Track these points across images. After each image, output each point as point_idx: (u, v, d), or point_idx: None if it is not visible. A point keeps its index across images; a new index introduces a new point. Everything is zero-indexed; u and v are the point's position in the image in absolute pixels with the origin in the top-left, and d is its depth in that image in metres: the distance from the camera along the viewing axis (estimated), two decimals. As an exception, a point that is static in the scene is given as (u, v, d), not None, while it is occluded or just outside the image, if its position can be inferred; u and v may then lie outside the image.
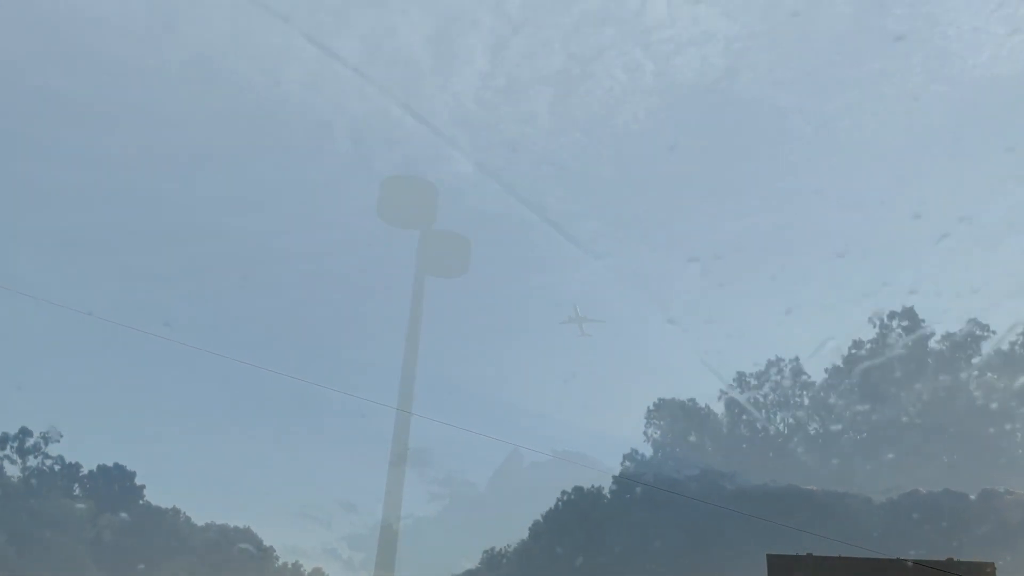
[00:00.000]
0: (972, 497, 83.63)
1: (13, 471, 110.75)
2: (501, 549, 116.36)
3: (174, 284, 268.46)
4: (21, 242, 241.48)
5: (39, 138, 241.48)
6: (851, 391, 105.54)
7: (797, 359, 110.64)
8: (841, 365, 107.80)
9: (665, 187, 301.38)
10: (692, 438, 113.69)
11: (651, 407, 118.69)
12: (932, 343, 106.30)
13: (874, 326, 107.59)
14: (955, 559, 13.58)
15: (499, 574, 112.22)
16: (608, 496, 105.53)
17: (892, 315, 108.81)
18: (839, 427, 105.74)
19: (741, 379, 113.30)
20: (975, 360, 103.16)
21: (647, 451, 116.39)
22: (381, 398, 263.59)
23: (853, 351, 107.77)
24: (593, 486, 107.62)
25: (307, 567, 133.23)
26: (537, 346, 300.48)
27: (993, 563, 13.49)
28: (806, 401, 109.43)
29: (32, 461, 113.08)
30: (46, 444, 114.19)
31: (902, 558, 13.90)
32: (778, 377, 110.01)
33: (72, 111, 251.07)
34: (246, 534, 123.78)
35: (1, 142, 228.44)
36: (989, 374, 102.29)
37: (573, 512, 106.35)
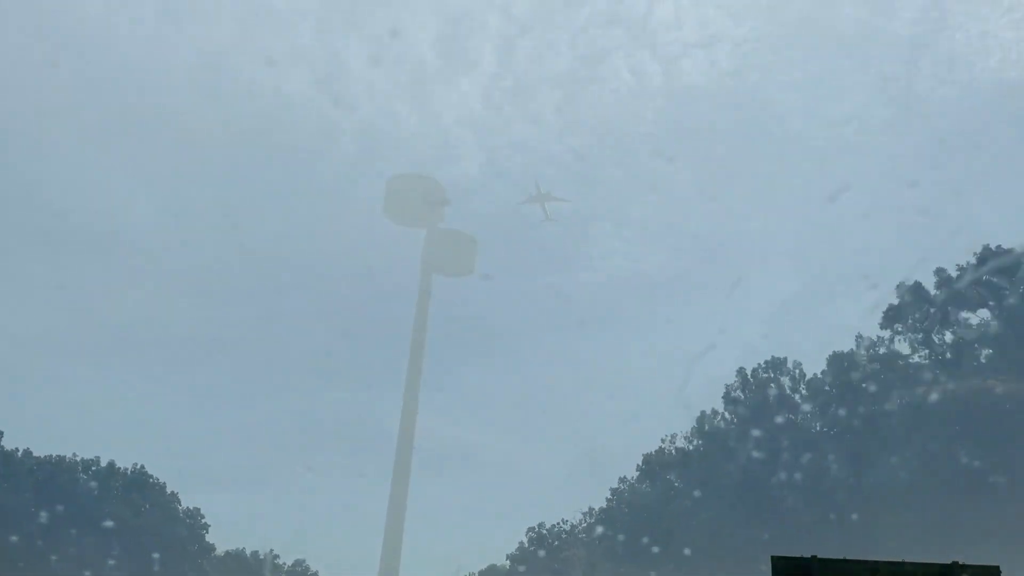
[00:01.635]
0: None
1: None
2: (553, 525, 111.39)
3: (181, 282, 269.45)
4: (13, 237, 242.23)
5: (47, 140, 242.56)
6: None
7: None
8: None
9: (672, 188, 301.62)
10: None
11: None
12: None
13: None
14: (960, 562, 13.64)
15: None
16: None
17: None
18: None
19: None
20: None
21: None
22: (387, 397, 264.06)
23: None
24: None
25: (288, 561, 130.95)
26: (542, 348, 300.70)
27: (998, 566, 13.53)
28: None
29: None
30: None
31: (907, 560, 13.97)
32: None
33: (83, 113, 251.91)
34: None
35: (5, 142, 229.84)
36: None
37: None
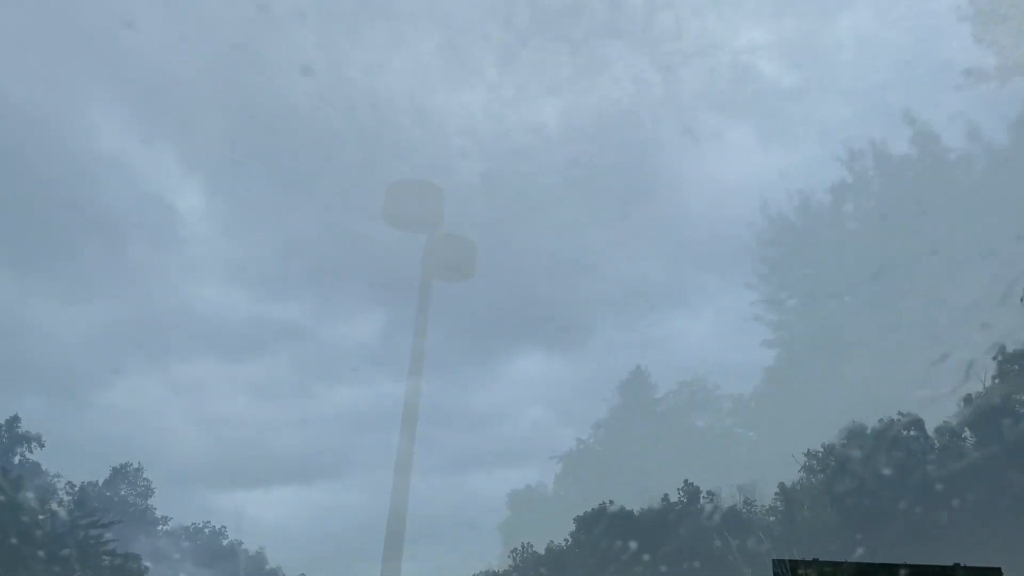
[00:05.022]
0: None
1: None
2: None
3: (185, 284, 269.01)
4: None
5: (50, 143, 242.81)
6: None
7: None
8: None
9: (673, 197, 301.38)
10: None
11: None
12: None
13: None
14: (961, 564, 13.68)
15: None
16: None
17: None
18: None
19: None
20: None
21: None
22: (389, 399, 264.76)
23: None
24: None
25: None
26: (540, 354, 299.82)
27: (999, 568, 13.55)
28: None
29: None
30: None
31: (909, 563, 14.00)
32: None
33: (85, 117, 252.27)
34: None
35: (7, 146, 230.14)
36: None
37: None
